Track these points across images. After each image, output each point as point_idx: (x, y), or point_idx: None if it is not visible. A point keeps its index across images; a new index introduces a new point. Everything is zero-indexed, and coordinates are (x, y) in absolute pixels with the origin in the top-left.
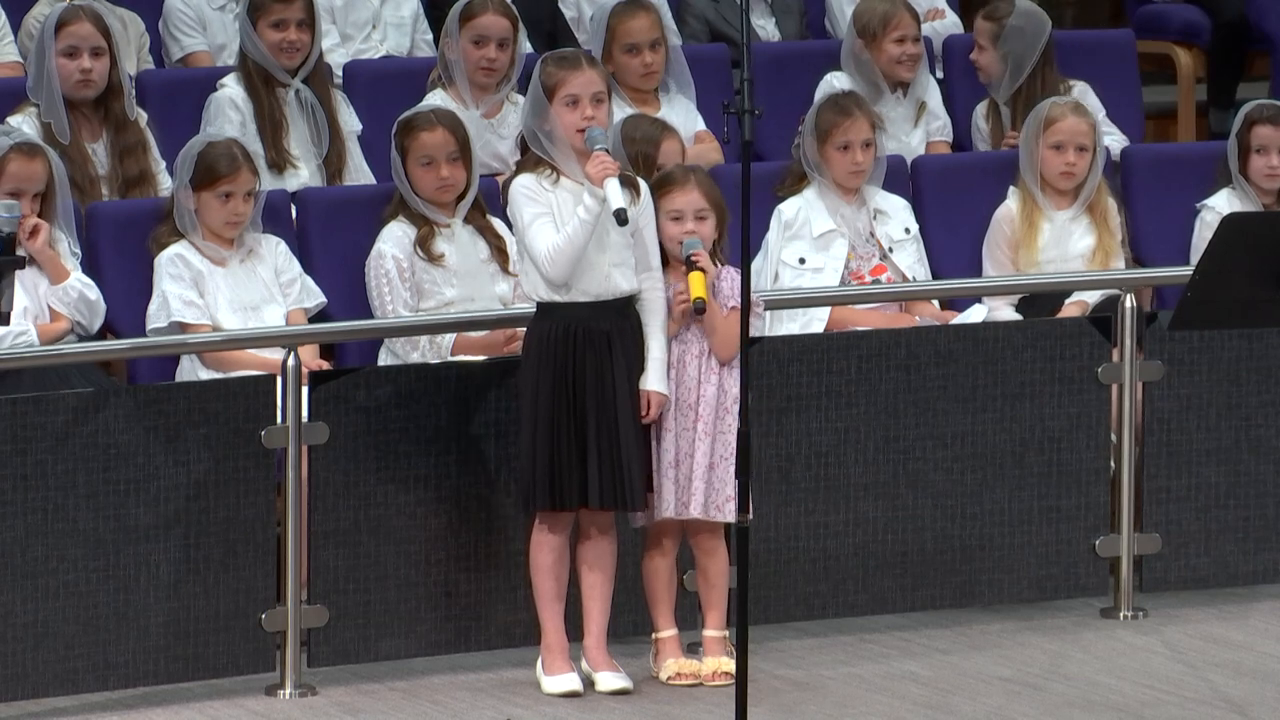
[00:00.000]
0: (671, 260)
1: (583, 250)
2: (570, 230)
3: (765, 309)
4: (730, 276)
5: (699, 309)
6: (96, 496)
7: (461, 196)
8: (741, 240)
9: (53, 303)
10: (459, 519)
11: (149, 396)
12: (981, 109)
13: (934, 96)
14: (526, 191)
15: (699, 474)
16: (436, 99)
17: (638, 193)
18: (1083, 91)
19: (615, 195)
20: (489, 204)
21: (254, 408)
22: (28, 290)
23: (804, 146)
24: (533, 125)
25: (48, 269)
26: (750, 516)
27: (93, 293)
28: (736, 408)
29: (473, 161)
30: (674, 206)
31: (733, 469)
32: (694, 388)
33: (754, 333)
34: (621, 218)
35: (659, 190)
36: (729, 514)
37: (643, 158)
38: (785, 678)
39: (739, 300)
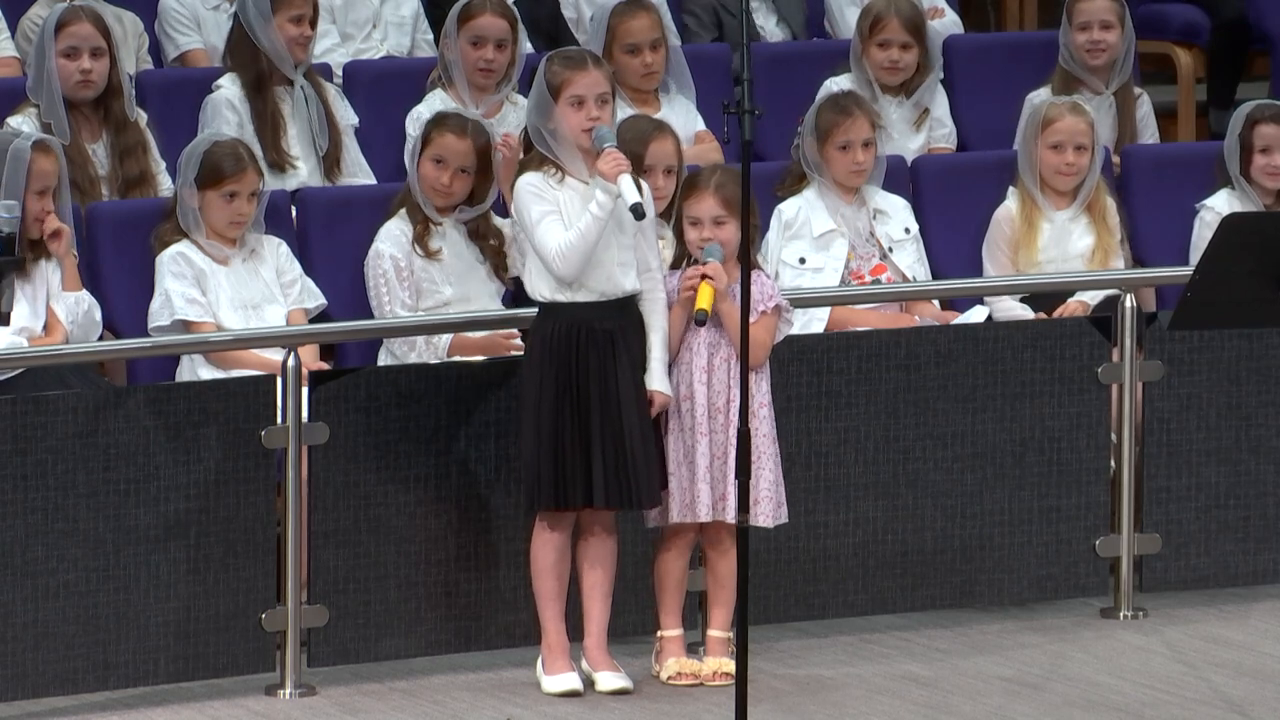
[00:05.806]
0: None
1: (594, 247)
2: (583, 226)
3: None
4: (760, 281)
5: (699, 320)
6: (96, 496)
7: (468, 203)
8: (742, 240)
9: (56, 306)
10: (459, 519)
11: (149, 396)
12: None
13: (941, 104)
14: (533, 189)
15: (734, 478)
16: (436, 99)
17: (640, 192)
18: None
19: (630, 190)
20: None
21: (254, 408)
22: (28, 297)
23: (804, 146)
24: (537, 123)
25: (67, 274)
26: (748, 517)
27: (98, 312)
28: (765, 411)
29: (491, 179)
30: (690, 213)
31: (767, 472)
32: (724, 391)
33: (781, 336)
34: (639, 212)
35: (681, 194)
36: (761, 517)
37: (631, 157)
38: (785, 678)
39: (768, 305)
